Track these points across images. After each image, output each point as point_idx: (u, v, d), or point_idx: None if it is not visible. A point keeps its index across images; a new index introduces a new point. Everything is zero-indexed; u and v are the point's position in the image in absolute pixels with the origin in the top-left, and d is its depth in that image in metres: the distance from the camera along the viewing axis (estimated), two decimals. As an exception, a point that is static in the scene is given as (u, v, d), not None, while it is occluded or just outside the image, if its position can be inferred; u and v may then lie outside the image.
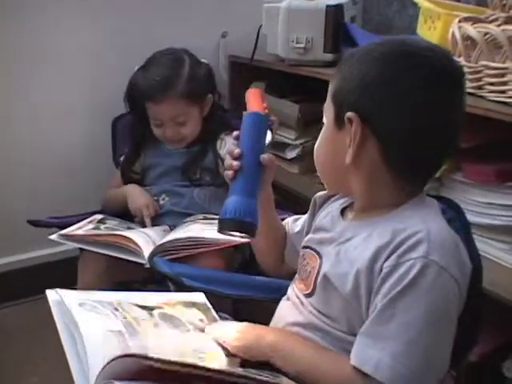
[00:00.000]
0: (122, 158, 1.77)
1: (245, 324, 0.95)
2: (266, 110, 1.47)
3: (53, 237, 1.46)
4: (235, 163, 0.94)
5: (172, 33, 1.96)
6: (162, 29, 1.98)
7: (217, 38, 2.13)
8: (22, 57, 1.83)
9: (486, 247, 1.28)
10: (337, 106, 0.89)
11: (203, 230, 1.41)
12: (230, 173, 0.95)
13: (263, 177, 0.97)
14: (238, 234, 0.94)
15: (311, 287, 0.93)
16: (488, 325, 0.96)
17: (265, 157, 0.96)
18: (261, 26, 1.92)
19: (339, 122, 0.88)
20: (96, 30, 1.91)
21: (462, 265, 0.84)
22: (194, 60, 1.68)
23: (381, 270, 0.81)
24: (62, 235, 1.46)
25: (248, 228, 0.91)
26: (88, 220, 1.59)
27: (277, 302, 1.03)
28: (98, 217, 1.63)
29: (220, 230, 0.93)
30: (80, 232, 1.49)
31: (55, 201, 1.90)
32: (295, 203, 1.78)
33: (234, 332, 0.92)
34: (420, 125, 0.84)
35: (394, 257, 0.80)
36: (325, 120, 0.93)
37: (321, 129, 0.95)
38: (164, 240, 1.39)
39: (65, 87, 1.92)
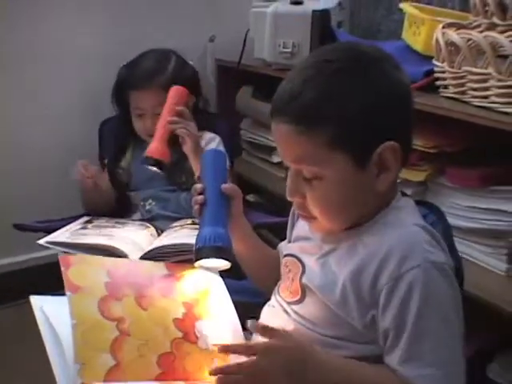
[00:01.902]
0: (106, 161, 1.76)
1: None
2: (178, 108, 1.48)
3: (41, 242, 1.46)
4: (199, 197, 0.98)
5: (160, 36, 1.97)
6: (150, 32, 1.99)
7: (204, 42, 2.13)
8: (10, 58, 1.83)
9: (470, 250, 1.30)
10: (353, 148, 0.82)
11: (190, 236, 1.41)
12: (196, 207, 0.99)
13: (230, 205, 1.00)
14: (214, 261, 0.96)
15: (298, 295, 0.93)
16: (472, 327, 0.96)
17: (226, 186, 0.99)
18: (248, 31, 1.93)
19: (362, 161, 0.82)
20: (84, 33, 1.91)
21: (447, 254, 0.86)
22: (180, 59, 1.71)
23: (375, 283, 0.81)
24: (49, 242, 1.45)
25: (220, 251, 0.94)
26: (75, 223, 1.58)
27: (262, 305, 1.04)
28: (86, 218, 1.63)
29: (196, 261, 0.96)
30: (67, 235, 1.48)
31: (42, 204, 1.89)
32: (281, 207, 1.78)
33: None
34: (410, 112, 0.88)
35: (390, 270, 0.80)
36: (321, 172, 0.84)
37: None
38: (151, 247, 1.39)
39: (51, 90, 1.92)
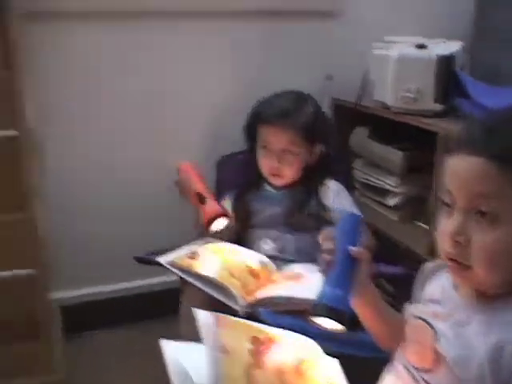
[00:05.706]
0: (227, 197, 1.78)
1: None
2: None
3: (161, 260, 1.52)
4: (328, 258, 0.98)
5: (276, 74, 2.03)
6: (266, 70, 2.05)
7: (321, 81, 2.14)
8: (139, 101, 1.94)
9: None
10: None
11: (304, 289, 1.38)
12: (323, 266, 0.99)
13: (357, 270, 0.99)
14: (329, 321, 0.96)
15: (430, 363, 0.90)
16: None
17: (354, 249, 0.97)
18: (366, 71, 1.91)
19: None
20: (210, 75, 2.01)
21: None
22: (317, 104, 1.74)
23: None
24: (169, 262, 1.51)
25: (334, 313, 0.94)
26: (197, 241, 1.64)
27: (382, 361, 1.02)
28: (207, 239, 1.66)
29: (312, 316, 0.97)
30: (185, 253, 1.54)
31: (157, 235, 1.95)
32: (393, 251, 1.75)
33: None
34: None
35: None
36: (503, 214, 0.80)
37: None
38: (266, 295, 1.41)
39: (178, 128, 2.01)
